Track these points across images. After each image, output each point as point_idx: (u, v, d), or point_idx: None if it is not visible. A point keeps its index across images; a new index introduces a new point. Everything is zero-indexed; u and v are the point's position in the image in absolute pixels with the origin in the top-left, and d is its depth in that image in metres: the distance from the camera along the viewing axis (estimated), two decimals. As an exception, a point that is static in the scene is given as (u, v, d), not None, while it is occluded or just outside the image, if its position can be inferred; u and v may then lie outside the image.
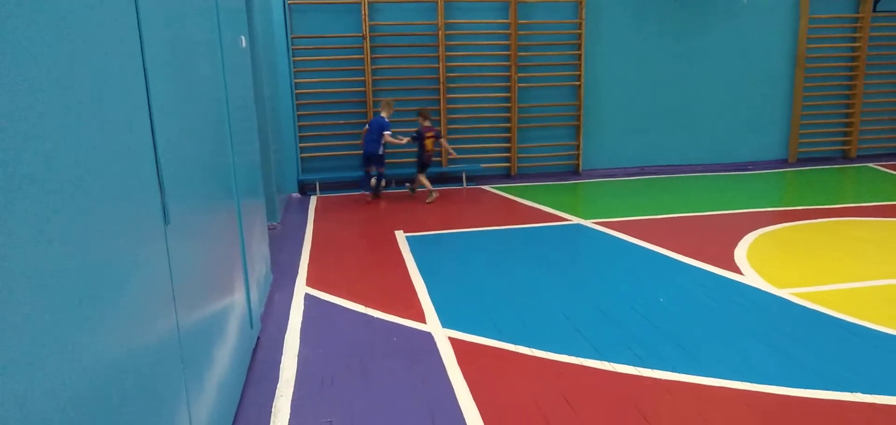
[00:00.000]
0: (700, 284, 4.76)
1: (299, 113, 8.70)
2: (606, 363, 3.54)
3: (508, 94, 9.11)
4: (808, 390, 3.21)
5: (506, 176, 9.27)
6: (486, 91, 9.09)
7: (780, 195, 7.99)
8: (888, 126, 10.16)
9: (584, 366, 3.52)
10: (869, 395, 3.15)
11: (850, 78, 9.87)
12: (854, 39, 9.74)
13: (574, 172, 9.47)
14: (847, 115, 10.00)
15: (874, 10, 9.52)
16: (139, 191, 1.84)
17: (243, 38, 4.30)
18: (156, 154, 2.00)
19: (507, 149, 9.28)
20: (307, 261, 5.52)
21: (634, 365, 3.51)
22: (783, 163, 9.81)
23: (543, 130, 9.37)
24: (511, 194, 8.15)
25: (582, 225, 6.53)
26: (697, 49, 9.44)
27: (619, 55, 9.32)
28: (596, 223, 6.54)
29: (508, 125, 9.20)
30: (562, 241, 6.06)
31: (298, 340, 3.93)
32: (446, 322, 4.13)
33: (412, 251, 5.69)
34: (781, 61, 9.67)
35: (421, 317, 4.21)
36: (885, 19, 9.66)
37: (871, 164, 9.48)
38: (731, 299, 4.44)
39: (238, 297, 3.40)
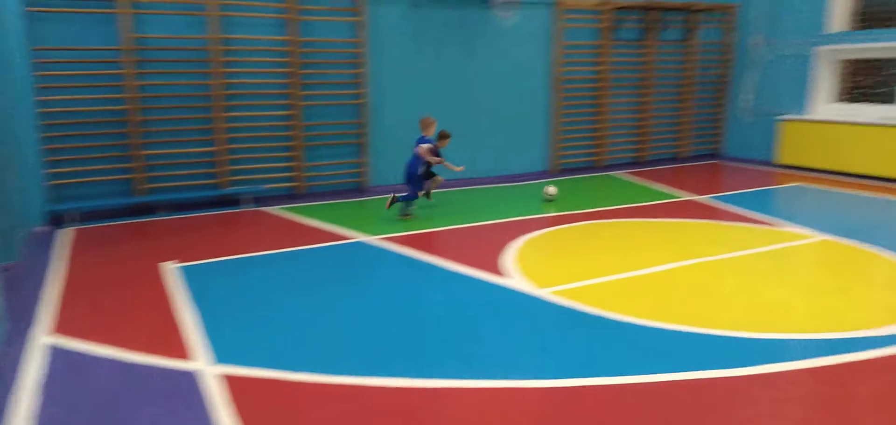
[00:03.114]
0: (473, 291, 5.05)
1: (46, 134, 7.58)
2: (388, 379, 3.58)
3: (292, 113, 8.90)
4: (565, 379, 3.57)
5: (292, 196, 9.02)
6: (268, 109, 8.78)
7: (543, 203, 8.83)
8: (627, 138, 11.84)
9: (366, 386, 3.52)
10: (613, 378, 3.59)
11: (596, 97, 11.32)
12: (597, 64, 11.21)
13: (361, 189, 9.54)
14: (595, 130, 11.45)
15: (612, 38, 11.07)
16: None
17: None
18: None
19: (292, 169, 9.05)
20: (56, 306, 4.80)
21: (415, 376, 3.60)
22: (546, 173, 10.90)
23: (330, 148, 9.30)
24: (297, 214, 7.95)
25: (365, 242, 6.58)
26: (471, 70, 10.11)
27: (400, 75, 9.61)
28: (380, 239, 6.64)
29: (293, 143, 8.98)
30: (345, 260, 6.04)
31: (36, 398, 3.38)
32: (221, 356, 3.86)
33: (186, 282, 5.25)
34: (540, 82, 10.78)
35: (189, 356, 3.89)
36: (622, 46, 11.28)
37: (614, 173, 10.96)
38: (500, 303, 4.78)
39: (-54, 359, 2.82)
